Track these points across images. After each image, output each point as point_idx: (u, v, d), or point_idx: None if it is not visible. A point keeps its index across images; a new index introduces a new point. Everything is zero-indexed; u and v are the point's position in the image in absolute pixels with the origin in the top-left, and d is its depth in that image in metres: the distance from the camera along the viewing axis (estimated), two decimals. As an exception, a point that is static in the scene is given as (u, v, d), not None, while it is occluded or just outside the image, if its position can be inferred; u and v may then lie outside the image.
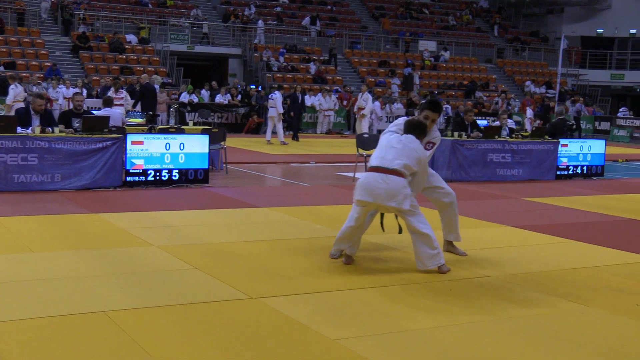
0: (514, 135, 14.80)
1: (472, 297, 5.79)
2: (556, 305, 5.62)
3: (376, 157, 6.48)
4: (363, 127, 23.10)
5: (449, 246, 7.30)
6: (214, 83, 27.88)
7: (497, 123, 15.82)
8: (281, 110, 21.20)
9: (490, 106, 30.65)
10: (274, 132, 21.38)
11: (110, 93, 19.08)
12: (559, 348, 4.64)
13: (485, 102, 31.48)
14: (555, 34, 41.59)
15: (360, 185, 6.39)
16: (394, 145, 6.46)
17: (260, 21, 34.43)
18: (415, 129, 6.64)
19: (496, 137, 14.01)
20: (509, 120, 16.32)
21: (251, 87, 28.03)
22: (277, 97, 21.18)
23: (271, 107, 21.22)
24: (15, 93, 19.98)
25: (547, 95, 34.55)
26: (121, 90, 19.68)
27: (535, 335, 4.87)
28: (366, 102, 23.51)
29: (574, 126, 25.35)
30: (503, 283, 6.24)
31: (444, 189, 7.20)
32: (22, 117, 10.88)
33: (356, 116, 24.74)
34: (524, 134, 16.15)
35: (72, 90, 21.53)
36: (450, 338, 4.76)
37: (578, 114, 28.65)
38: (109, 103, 13.97)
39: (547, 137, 14.79)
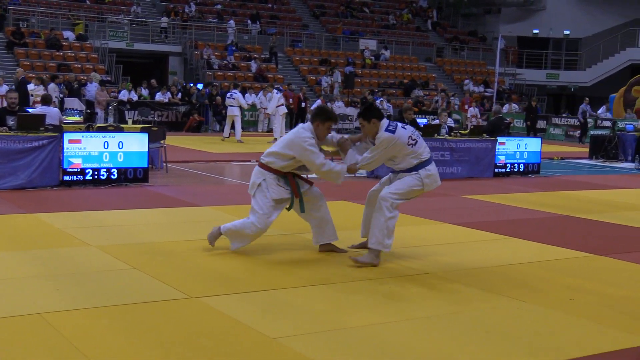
0: (452, 134, 15.01)
1: (411, 294, 5.86)
2: (492, 301, 5.73)
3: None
4: (275, 126, 22.84)
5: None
6: (153, 81, 27.57)
7: (437, 121, 16.04)
8: (246, 106, 22.24)
9: (430, 105, 31.03)
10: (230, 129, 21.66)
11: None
12: (494, 343, 4.74)
13: (425, 101, 31.85)
14: (492, 34, 42.35)
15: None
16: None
17: (231, 21, 34.18)
18: (313, 115, 7.02)
19: (435, 135, 14.18)
20: (449, 119, 16.55)
21: (192, 85, 27.83)
22: (237, 95, 21.49)
23: (230, 105, 21.40)
24: None
25: (486, 93, 35.15)
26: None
27: (471, 331, 4.95)
28: (270, 101, 23.40)
29: (510, 125, 25.75)
30: (441, 280, 6.33)
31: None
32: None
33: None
34: (462, 132, 16.40)
35: (6, 88, 21.03)
36: (389, 335, 4.81)
37: (584, 115, 28.71)
38: (47, 101, 13.69)
39: (485, 135, 15.04)
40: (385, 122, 6.74)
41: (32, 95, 20.63)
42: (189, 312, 5.15)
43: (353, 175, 6.83)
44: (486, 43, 42.68)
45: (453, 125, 17.57)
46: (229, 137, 21.63)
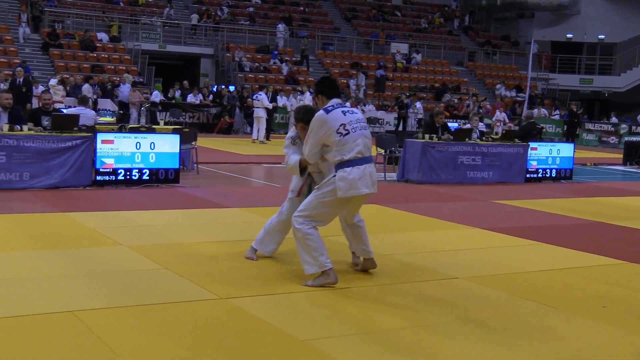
0: (484, 138, 14.92)
1: (440, 298, 5.83)
2: (522, 307, 5.68)
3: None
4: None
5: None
6: (185, 82, 27.76)
7: (468, 125, 15.94)
8: (269, 106, 22.25)
9: (462, 109, 30.87)
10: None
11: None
12: (522, 349, 4.69)
13: (456, 105, 31.70)
14: (525, 38, 42.02)
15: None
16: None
17: (280, 25, 34.27)
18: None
19: (467, 139, 14.11)
20: (480, 123, 16.45)
21: (224, 87, 27.98)
22: (262, 97, 21.72)
23: (256, 107, 21.62)
24: None
25: (518, 98, 34.88)
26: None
27: (500, 337, 4.91)
28: (259, 101, 23.25)
29: (542, 130, 25.54)
30: (471, 284, 6.29)
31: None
32: (-10, 115, 10.77)
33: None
34: (494, 136, 16.29)
35: (42, 89, 21.32)
36: (418, 339, 4.79)
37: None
38: (84, 102, 13.85)
39: (516, 140, 14.92)
40: (332, 101, 6.01)
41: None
42: (218, 312, 5.17)
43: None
44: (519, 47, 42.36)
45: (485, 129, 17.45)
46: (256, 140, 21.84)
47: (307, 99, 23.04)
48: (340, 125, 5.81)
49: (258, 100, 21.88)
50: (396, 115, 29.10)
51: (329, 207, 5.94)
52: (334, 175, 5.86)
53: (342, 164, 5.83)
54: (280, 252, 7.00)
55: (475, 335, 4.92)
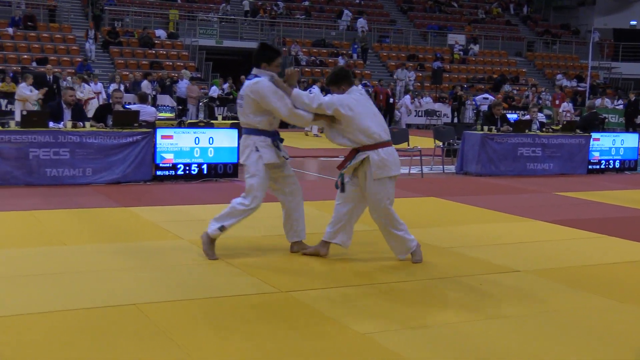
0: (544, 129, 14.67)
1: (501, 292, 5.74)
2: (588, 301, 5.56)
3: (379, 130, 6.21)
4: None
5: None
6: (242, 77, 27.91)
7: (527, 117, 15.69)
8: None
9: (520, 100, 30.40)
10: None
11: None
12: (585, 344, 4.60)
13: (515, 96, 31.23)
14: (586, 27, 41.11)
15: (395, 161, 6.27)
16: (375, 110, 6.38)
17: (361, 19, 34.30)
18: (350, 76, 6.53)
19: (526, 131, 13.89)
20: (540, 114, 16.17)
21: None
22: (315, 90, 21.82)
23: None
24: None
25: (579, 88, 34.19)
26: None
27: (562, 331, 4.82)
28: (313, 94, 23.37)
29: (605, 120, 24.95)
30: (533, 278, 6.18)
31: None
32: (54, 112, 11.00)
33: None
34: (554, 127, 15.99)
35: (103, 86, 21.79)
36: (478, 333, 4.73)
37: None
38: (143, 99, 14.07)
39: (578, 130, 14.63)
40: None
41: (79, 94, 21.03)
42: (278, 306, 5.18)
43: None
44: (579, 36, 41.49)
45: (545, 120, 17.14)
46: (310, 132, 22.10)
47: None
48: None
49: (312, 93, 22.02)
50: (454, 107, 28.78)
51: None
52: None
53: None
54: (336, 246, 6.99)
55: (538, 329, 4.83)
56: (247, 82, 6.31)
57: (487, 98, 26.25)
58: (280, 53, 6.44)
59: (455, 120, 27.87)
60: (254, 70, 6.35)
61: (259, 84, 6.16)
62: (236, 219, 6.34)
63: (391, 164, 6.19)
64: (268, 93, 6.11)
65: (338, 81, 6.35)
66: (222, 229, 6.33)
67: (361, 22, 34.11)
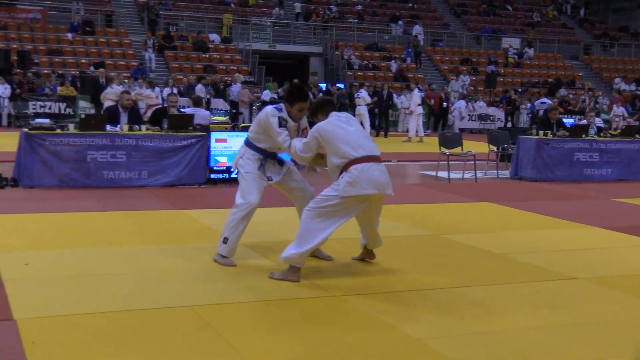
0: (602, 134, 14.39)
1: (558, 299, 5.64)
2: (648, 310, 5.44)
3: (359, 145, 5.84)
4: (411, 125, 22.83)
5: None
6: (295, 81, 28.03)
7: (584, 121, 15.42)
8: (369, 100, 22.51)
9: (577, 104, 29.89)
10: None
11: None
12: (652, 354, 4.49)
13: (571, 100, 30.71)
14: (646, 29, 40.23)
15: (361, 179, 5.73)
16: (356, 128, 6.03)
17: (417, 26, 34.29)
18: (327, 104, 6.27)
19: (583, 135, 13.65)
20: (597, 119, 15.87)
21: (338, 85, 28.25)
22: (363, 94, 22.02)
23: (359, 104, 21.93)
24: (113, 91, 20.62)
25: (637, 92, 33.47)
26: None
27: (622, 341, 4.71)
28: (409, 101, 23.26)
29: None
30: (591, 285, 6.07)
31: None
32: (112, 115, 11.18)
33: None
34: (612, 132, 15.68)
35: (163, 91, 22.10)
36: (534, 340, 4.65)
37: None
38: (198, 103, 14.22)
39: (637, 135, 14.32)
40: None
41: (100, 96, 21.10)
42: (332, 310, 5.18)
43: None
44: (639, 39, 40.59)
45: (602, 125, 16.82)
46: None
47: (416, 95, 22.91)
48: None
49: (359, 97, 22.21)
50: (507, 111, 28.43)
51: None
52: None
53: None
54: (396, 249, 6.96)
55: (595, 338, 4.74)
56: (268, 108, 6.33)
57: (544, 102, 25.85)
58: (304, 99, 6.23)
59: (509, 124, 27.52)
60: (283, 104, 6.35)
61: (269, 116, 6.18)
62: (237, 227, 6.39)
63: (363, 181, 5.74)
64: (275, 127, 6.13)
65: (314, 113, 6.24)
66: (225, 241, 6.34)
67: (417, 29, 33.93)
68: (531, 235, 8.17)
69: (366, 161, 5.78)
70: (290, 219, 8.78)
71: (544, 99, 27.68)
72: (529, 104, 28.13)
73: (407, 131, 23.29)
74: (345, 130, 5.90)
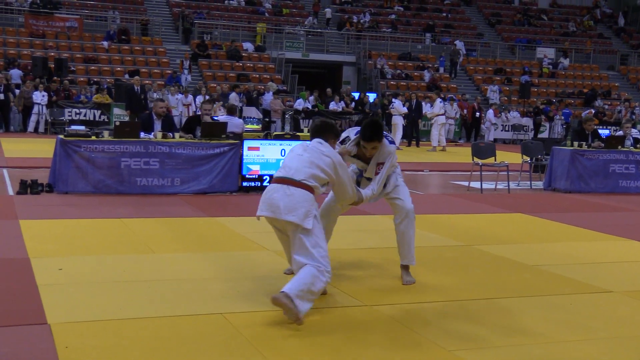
0: (638, 146, 14.20)
1: (593, 312, 5.57)
2: (685, 325, 5.34)
3: (281, 167, 5.57)
4: (433, 134, 22.77)
5: (402, 271, 6.31)
6: (328, 90, 28.10)
7: (620, 133, 15.22)
8: (405, 111, 22.54)
9: (612, 115, 29.53)
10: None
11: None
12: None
13: (606, 111, 30.35)
14: (685, 39, 39.61)
15: (261, 199, 5.48)
16: (299, 152, 5.51)
17: (457, 41, 34.26)
18: (322, 130, 5.72)
19: (619, 147, 13.48)
20: (634, 130, 15.66)
21: (367, 94, 28.21)
22: (397, 104, 22.12)
23: (394, 114, 22.00)
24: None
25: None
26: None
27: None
28: (394, 108, 23.08)
29: None
30: (626, 299, 5.97)
31: (402, 200, 6.26)
32: (145, 123, 11.28)
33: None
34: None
35: (194, 99, 22.29)
36: (566, 354, 4.59)
37: None
38: (232, 111, 14.30)
39: (674, 147, 14.10)
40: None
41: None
42: (364, 319, 5.16)
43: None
44: (677, 49, 40.01)
45: (639, 136, 16.58)
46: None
47: (437, 105, 22.86)
48: None
49: (393, 107, 22.28)
50: (542, 122, 28.16)
51: None
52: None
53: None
54: (426, 259, 6.92)
55: (630, 353, 4.66)
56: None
57: (590, 112, 25.56)
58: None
59: (533, 134, 27.23)
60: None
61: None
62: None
63: (261, 202, 5.46)
64: None
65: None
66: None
67: (459, 45, 33.81)
68: (565, 247, 8.07)
69: (275, 182, 5.39)
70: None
71: (590, 110, 27.39)
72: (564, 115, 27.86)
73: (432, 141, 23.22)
74: (292, 154, 5.58)
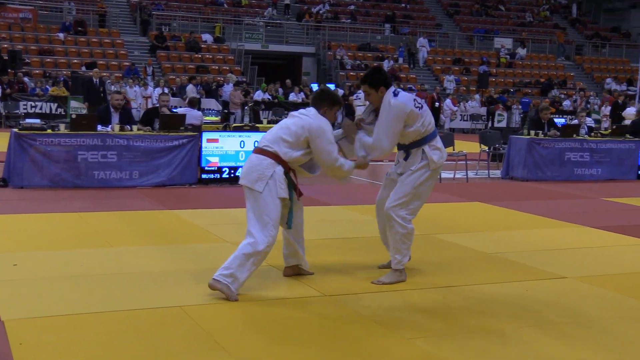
0: (592, 134, 14.44)
1: (548, 298, 5.65)
2: (636, 309, 5.44)
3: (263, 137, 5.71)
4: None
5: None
6: (288, 81, 28.06)
7: (575, 121, 15.46)
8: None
9: (561, 103, 29.95)
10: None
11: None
12: (636, 354, 4.51)
13: (562, 100, 30.79)
14: (638, 29, 40.30)
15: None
16: (281, 124, 5.68)
17: (421, 39, 34.18)
18: (315, 99, 5.78)
19: (574, 135, 13.69)
20: (588, 119, 15.92)
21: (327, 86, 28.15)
22: (362, 95, 21.99)
23: (358, 106, 21.89)
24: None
25: (629, 92, 33.58)
26: None
27: (611, 340, 4.73)
28: (360, 99, 23.21)
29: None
30: (580, 285, 6.08)
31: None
32: (103, 115, 11.16)
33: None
34: (603, 132, 15.73)
35: (154, 90, 22.04)
36: (523, 339, 4.66)
37: None
38: (193, 104, 14.21)
39: (628, 135, 14.37)
40: (391, 88, 5.76)
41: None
42: (323, 309, 5.17)
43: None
44: (630, 39, 40.71)
45: (593, 125, 16.85)
46: None
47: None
48: (414, 100, 5.77)
49: (359, 98, 22.14)
50: (499, 112, 28.46)
51: (423, 190, 5.97)
52: (422, 152, 5.81)
53: (427, 137, 5.81)
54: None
55: (583, 337, 4.75)
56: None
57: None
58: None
59: (489, 124, 27.55)
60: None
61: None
62: None
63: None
64: None
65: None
66: None
67: (422, 42, 33.85)
68: (522, 234, 8.19)
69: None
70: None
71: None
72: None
73: None
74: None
